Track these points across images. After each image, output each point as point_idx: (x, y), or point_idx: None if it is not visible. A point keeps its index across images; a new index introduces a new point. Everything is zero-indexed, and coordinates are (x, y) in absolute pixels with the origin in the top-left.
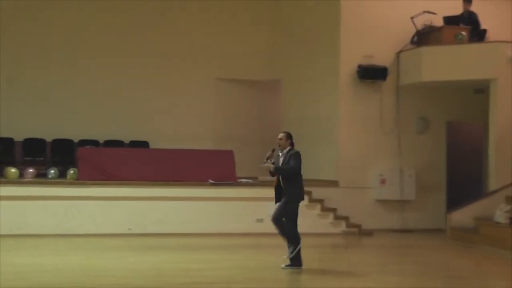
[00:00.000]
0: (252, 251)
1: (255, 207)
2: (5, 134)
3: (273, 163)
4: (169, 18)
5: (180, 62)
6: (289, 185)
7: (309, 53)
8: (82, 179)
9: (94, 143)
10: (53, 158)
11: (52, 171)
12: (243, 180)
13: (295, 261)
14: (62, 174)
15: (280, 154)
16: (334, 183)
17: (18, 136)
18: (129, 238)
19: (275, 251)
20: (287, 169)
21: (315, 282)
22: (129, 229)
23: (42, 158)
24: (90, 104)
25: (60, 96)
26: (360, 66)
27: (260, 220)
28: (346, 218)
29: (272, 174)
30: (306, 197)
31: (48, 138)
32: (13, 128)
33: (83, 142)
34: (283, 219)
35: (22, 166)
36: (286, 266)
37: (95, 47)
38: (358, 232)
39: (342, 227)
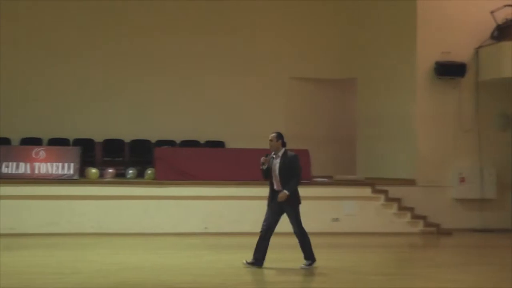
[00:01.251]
0: (328, 251)
1: (331, 206)
2: (86, 135)
3: (267, 168)
4: (243, 19)
5: (255, 62)
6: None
7: (385, 51)
8: (160, 179)
9: (171, 143)
10: (132, 159)
11: (131, 171)
12: (319, 179)
13: (311, 258)
14: (140, 174)
15: (274, 156)
16: (411, 182)
17: (98, 137)
18: (206, 237)
19: (352, 251)
20: (296, 184)
21: (392, 282)
22: (206, 228)
23: (121, 159)
24: (167, 105)
25: (138, 98)
26: (437, 63)
27: (335, 219)
28: (424, 217)
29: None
30: (382, 196)
31: (127, 139)
32: (93, 129)
33: (160, 143)
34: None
35: (102, 167)
36: (306, 265)
37: (174, 47)
38: (436, 231)
39: (419, 226)
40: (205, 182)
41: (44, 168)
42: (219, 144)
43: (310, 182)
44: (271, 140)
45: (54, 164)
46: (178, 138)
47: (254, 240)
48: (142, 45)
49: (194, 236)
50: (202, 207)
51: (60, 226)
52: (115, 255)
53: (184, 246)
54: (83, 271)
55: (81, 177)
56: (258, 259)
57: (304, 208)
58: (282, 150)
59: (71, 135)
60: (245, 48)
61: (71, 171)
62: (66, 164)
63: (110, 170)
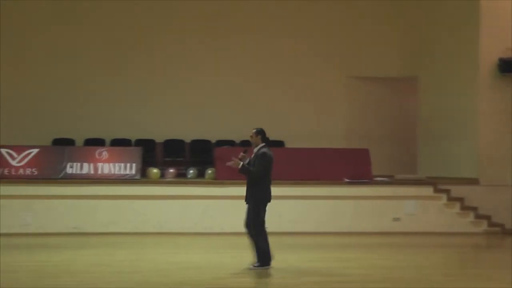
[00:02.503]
0: (389, 250)
1: (392, 206)
2: (147, 136)
3: (246, 163)
4: (302, 19)
5: (313, 61)
6: (254, 188)
7: (446, 48)
8: (220, 179)
9: (231, 143)
10: (192, 159)
11: (191, 171)
12: (379, 179)
13: (263, 261)
14: (200, 174)
15: (254, 151)
16: (474, 181)
17: (159, 137)
18: None
19: (414, 251)
20: (250, 172)
21: (455, 283)
22: (266, 227)
23: (181, 159)
24: (227, 105)
25: (199, 98)
26: (501, 59)
27: (397, 219)
28: (487, 217)
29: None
30: (444, 196)
31: (187, 139)
32: (154, 130)
33: (220, 143)
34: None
35: (163, 167)
36: (254, 266)
37: (236, 48)
38: (501, 231)
39: (483, 226)
40: None
41: (107, 168)
42: (278, 143)
43: (371, 181)
44: (251, 136)
45: (117, 164)
46: (238, 138)
47: (314, 240)
48: (204, 45)
49: None
50: None
51: (122, 226)
52: (176, 254)
53: (244, 245)
54: (144, 270)
55: (142, 177)
56: (261, 259)
57: (365, 208)
58: (259, 146)
59: (132, 136)
60: (304, 48)
61: (133, 171)
62: (128, 164)
63: (171, 170)
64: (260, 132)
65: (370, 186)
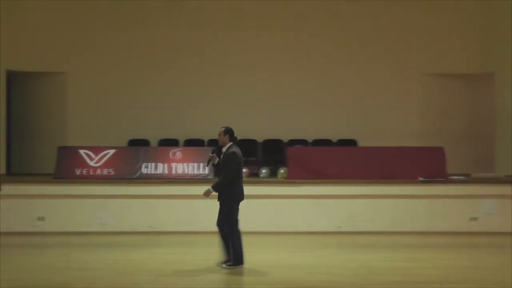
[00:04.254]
0: (465, 250)
1: (468, 205)
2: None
3: (214, 164)
4: (376, 16)
5: (387, 58)
6: (226, 188)
7: None
8: (292, 178)
9: (303, 142)
10: (264, 158)
11: (264, 171)
12: (455, 177)
13: (236, 260)
14: (273, 174)
15: (223, 150)
16: None
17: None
18: (339, 236)
19: (492, 251)
20: (222, 182)
21: None
22: (339, 227)
23: (254, 158)
24: (299, 105)
25: (271, 98)
26: None
27: (474, 219)
28: None
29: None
30: None
31: (259, 139)
32: None
33: (293, 142)
34: (224, 223)
35: None
36: (227, 265)
37: (305, 47)
38: None
39: None
40: (337, 181)
41: (181, 168)
42: (351, 142)
43: (446, 180)
44: (219, 135)
45: (190, 164)
46: (310, 137)
47: (388, 240)
48: (277, 43)
49: (327, 235)
50: (335, 206)
51: (195, 225)
52: (249, 253)
53: (317, 245)
54: (219, 269)
55: (215, 177)
56: (233, 258)
57: (440, 207)
58: (228, 145)
59: (206, 136)
60: (377, 44)
61: (206, 171)
62: (201, 164)
63: (244, 170)
64: (228, 132)
65: (446, 185)
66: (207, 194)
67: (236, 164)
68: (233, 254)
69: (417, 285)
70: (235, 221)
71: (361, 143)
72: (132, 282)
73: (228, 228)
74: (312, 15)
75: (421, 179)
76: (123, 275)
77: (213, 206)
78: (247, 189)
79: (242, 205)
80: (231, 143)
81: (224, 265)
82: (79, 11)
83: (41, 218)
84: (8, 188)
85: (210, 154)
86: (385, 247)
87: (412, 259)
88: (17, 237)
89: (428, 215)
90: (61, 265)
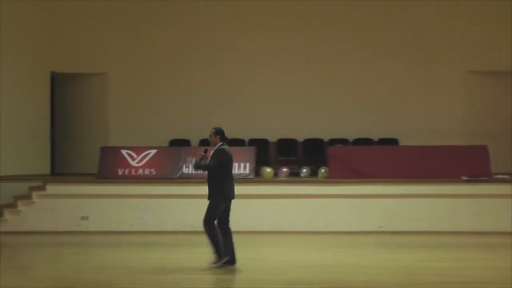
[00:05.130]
0: (510, 251)
1: None
2: (260, 135)
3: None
4: (417, 12)
5: (430, 56)
6: (213, 186)
7: None
8: (333, 178)
9: (344, 142)
10: (305, 158)
11: (304, 170)
12: (499, 176)
13: (220, 254)
14: (313, 173)
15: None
16: None
17: (272, 137)
18: (380, 236)
19: None
20: (204, 167)
21: None
22: (380, 226)
23: (294, 158)
24: (338, 104)
25: (311, 97)
26: None
27: None
28: None
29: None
30: None
31: (300, 138)
32: (267, 130)
33: (333, 141)
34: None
35: (276, 166)
36: (214, 263)
37: (347, 48)
38: None
39: None
40: (379, 180)
41: None
42: (392, 141)
43: (490, 179)
44: (210, 135)
45: None
46: (351, 137)
47: (431, 240)
48: (316, 43)
49: (368, 235)
50: (376, 205)
51: (236, 224)
52: (290, 253)
53: (358, 244)
54: (259, 268)
55: (256, 177)
56: (215, 253)
57: (484, 206)
58: (218, 145)
59: (246, 136)
60: (419, 41)
61: (247, 171)
62: (242, 164)
63: (285, 169)
64: (219, 132)
65: (490, 184)
66: (189, 161)
67: (222, 158)
68: (215, 248)
69: (460, 285)
70: (213, 216)
71: (403, 142)
72: (173, 281)
73: (205, 221)
74: (360, 14)
75: (465, 178)
76: (164, 274)
77: (254, 206)
78: (288, 189)
79: (282, 204)
80: (221, 143)
81: (213, 265)
82: (120, 13)
83: (85, 218)
84: (52, 188)
85: (202, 153)
86: (427, 247)
87: (455, 259)
88: (61, 236)
89: (471, 215)
90: (104, 264)
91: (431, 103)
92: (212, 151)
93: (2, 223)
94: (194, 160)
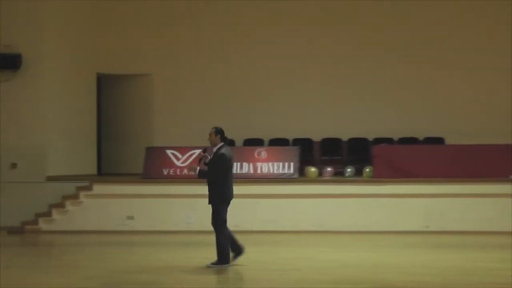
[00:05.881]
0: None
1: None
2: (304, 135)
3: (206, 163)
4: (466, 13)
5: (476, 55)
6: (213, 189)
7: None
8: (378, 177)
9: (389, 141)
10: (349, 157)
11: (349, 170)
12: None
13: (222, 260)
14: (358, 172)
15: (214, 150)
16: None
17: (316, 136)
18: (426, 236)
19: None
20: (208, 175)
21: None
22: (426, 226)
23: (339, 157)
24: (383, 103)
25: (355, 96)
26: None
27: None
28: None
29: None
30: None
31: (344, 137)
32: (311, 129)
33: (378, 140)
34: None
35: (320, 166)
36: (212, 264)
37: (392, 47)
38: None
39: None
40: (425, 180)
41: (266, 167)
42: (438, 140)
43: None
44: (210, 135)
45: (275, 163)
46: (396, 136)
47: (478, 240)
48: (362, 41)
49: (414, 235)
50: (422, 205)
51: (281, 224)
52: (334, 252)
53: (404, 244)
54: (303, 268)
55: (300, 176)
56: (219, 257)
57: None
58: (218, 146)
59: (290, 135)
60: (466, 41)
61: (291, 171)
62: (286, 164)
63: (329, 169)
64: (219, 132)
65: None
66: (191, 169)
67: (223, 166)
68: (220, 253)
69: (507, 286)
70: (222, 221)
71: (449, 141)
72: (217, 280)
73: (215, 228)
74: (412, 13)
75: None
76: (208, 274)
77: (298, 205)
78: (332, 188)
79: (326, 204)
80: (222, 143)
81: (209, 264)
82: (165, 14)
83: (131, 217)
84: (99, 188)
85: (202, 153)
86: (474, 247)
87: (502, 260)
88: (107, 235)
89: None
90: (149, 263)
91: (477, 102)
92: (213, 152)
93: (51, 222)
94: (197, 169)
